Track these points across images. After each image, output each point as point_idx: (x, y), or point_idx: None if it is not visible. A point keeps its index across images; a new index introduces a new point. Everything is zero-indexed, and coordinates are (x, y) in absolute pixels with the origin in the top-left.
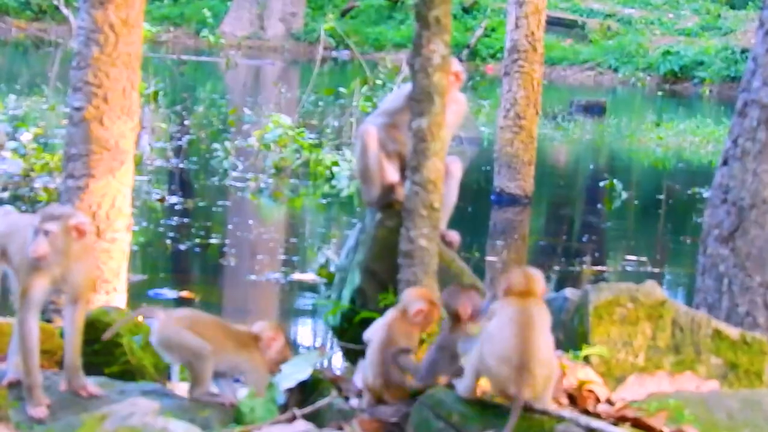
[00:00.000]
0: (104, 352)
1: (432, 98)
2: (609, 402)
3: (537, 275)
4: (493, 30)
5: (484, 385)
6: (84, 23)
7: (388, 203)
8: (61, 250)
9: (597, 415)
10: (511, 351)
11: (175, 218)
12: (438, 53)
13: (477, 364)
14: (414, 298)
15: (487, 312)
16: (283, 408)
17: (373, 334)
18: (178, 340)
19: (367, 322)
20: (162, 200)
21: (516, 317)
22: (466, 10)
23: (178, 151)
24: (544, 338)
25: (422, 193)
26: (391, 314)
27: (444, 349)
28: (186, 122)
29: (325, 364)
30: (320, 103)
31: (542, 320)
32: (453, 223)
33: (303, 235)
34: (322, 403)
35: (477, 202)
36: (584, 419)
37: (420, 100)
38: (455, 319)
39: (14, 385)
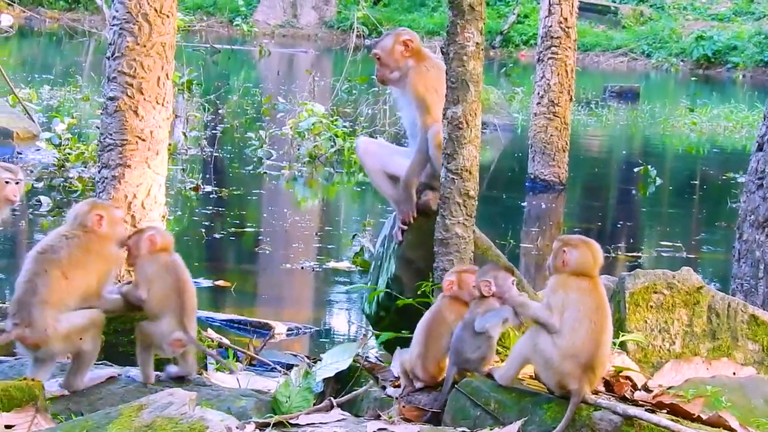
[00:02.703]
0: None
1: (467, 86)
2: (646, 389)
3: (599, 250)
4: (525, 17)
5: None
6: (118, 13)
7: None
8: None
9: (634, 402)
10: (581, 350)
11: (210, 207)
12: (472, 41)
13: (529, 354)
14: (446, 275)
15: (547, 287)
16: (320, 397)
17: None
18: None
19: (404, 311)
20: (197, 189)
21: (591, 314)
22: None
23: (212, 140)
24: (611, 335)
25: (458, 180)
26: (438, 298)
27: (467, 325)
28: (220, 111)
29: (363, 353)
30: (354, 91)
31: (609, 312)
32: (488, 211)
33: (337, 224)
34: (358, 391)
35: (511, 189)
36: (621, 407)
37: (455, 88)
38: (480, 295)
39: None
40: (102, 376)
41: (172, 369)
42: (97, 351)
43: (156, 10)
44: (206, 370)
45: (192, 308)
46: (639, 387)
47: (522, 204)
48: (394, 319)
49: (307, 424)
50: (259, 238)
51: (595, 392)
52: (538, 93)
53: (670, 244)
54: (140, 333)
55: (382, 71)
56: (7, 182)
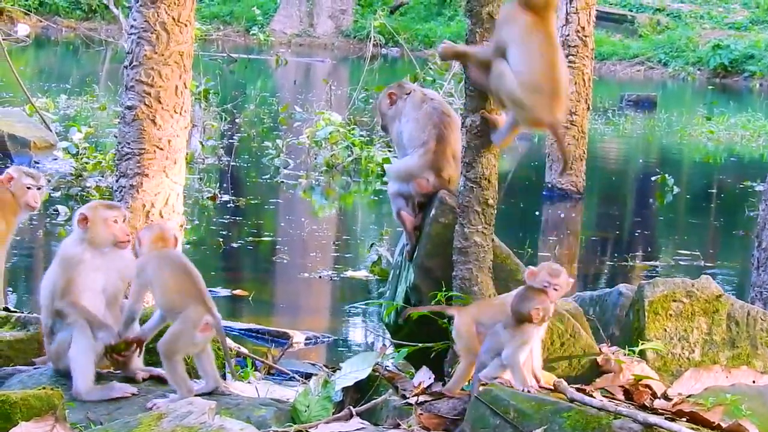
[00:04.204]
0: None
1: (486, 94)
2: (665, 397)
3: None
4: None
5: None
6: (136, 22)
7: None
8: None
9: (654, 411)
10: (540, 80)
11: (227, 216)
12: None
13: (497, 86)
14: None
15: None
16: (339, 406)
17: None
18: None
19: (423, 320)
20: (214, 198)
21: (545, 47)
22: None
23: (229, 149)
24: (564, 60)
25: (476, 189)
26: None
27: (492, 335)
28: (237, 120)
29: (382, 362)
30: (371, 100)
31: (558, 42)
32: (505, 220)
33: (355, 232)
34: (378, 400)
35: (528, 198)
36: (641, 415)
37: (474, 97)
38: (519, 320)
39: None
40: (110, 394)
41: (195, 386)
42: (85, 359)
43: (174, 19)
44: (225, 379)
45: (206, 290)
46: (659, 395)
47: (539, 213)
48: (413, 328)
49: None
50: (277, 247)
51: (615, 399)
52: None
53: (688, 252)
54: (164, 346)
55: (380, 122)
56: (28, 188)
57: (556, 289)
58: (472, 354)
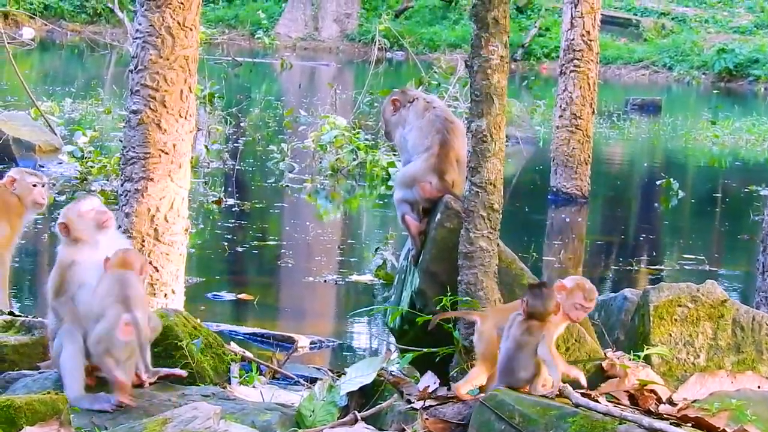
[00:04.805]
0: (164, 355)
1: (491, 99)
2: (670, 402)
3: None
4: (547, 29)
5: None
6: (141, 26)
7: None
8: None
9: (659, 416)
10: None
11: (232, 220)
12: (497, 54)
13: None
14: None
15: None
16: (344, 410)
17: None
18: None
19: (428, 325)
20: (219, 202)
21: None
22: (520, 10)
23: (234, 153)
24: None
25: (482, 194)
26: None
27: (521, 346)
28: (242, 124)
29: (387, 367)
30: (375, 104)
31: None
32: (510, 224)
33: (360, 237)
34: (383, 405)
35: (533, 202)
36: (647, 420)
37: (479, 101)
38: (539, 318)
39: None
40: (92, 405)
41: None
42: (72, 365)
43: (179, 23)
44: (230, 383)
45: (139, 299)
46: (664, 400)
47: (544, 217)
48: (418, 333)
49: None
50: (282, 251)
51: (620, 404)
52: (560, 106)
53: (693, 257)
54: (92, 348)
55: (384, 128)
56: (34, 185)
57: (585, 310)
58: (489, 360)
